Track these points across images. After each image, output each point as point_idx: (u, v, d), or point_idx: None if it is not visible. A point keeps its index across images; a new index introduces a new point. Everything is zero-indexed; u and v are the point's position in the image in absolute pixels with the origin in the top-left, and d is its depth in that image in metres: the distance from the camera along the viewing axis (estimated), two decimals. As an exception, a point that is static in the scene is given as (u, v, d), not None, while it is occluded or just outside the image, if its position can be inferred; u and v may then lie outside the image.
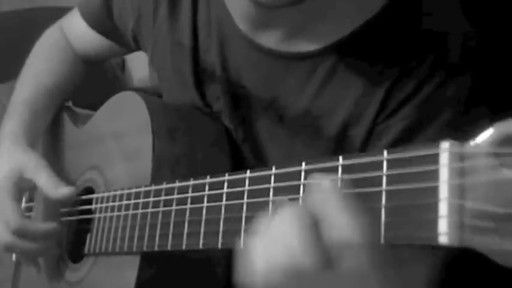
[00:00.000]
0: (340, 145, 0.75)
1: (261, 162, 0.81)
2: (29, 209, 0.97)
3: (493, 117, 0.70)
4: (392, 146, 0.69)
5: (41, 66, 1.08)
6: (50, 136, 1.04)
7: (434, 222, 0.41)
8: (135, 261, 0.74)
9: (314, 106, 0.75)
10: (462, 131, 0.68)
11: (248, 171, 0.58)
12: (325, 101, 0.74)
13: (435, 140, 0.65)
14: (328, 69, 0.73)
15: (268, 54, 0.77)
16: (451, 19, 0.73)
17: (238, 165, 0.80)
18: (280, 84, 0.77)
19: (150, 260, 0.74)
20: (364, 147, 0.73)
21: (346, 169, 0.48)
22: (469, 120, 0.69)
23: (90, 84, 1.11)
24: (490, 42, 0.75)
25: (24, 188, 0.92)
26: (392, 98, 0.71)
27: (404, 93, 0.71)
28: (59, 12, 1.15)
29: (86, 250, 0.84)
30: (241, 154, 0.83)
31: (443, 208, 0.40)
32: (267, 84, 0.78)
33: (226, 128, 0.83)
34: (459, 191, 0.40)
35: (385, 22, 0.71)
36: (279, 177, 0.55)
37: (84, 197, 0.89)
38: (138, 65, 1.61)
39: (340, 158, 0.49)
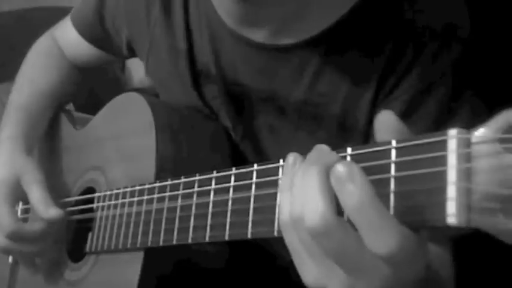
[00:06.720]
0: (341, 134, 0.75)
1: (261, 159, 0.81)
2: (27, 211, 0.97)
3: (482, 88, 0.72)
4: None
5: (35, 72, 1.09)
6: (48, 139, 1.04)
7: (443, 204, 0.42)
8: (138, 257, 0.75)
9: (312, 95, 0.76)
10: (461, 100, 0.71)
11: (255, 165, 0.59)
12: (321, 89, 0.75)
13: (436, 112, 0.64)
14: (320, 57, 0.74)
15: (258, 48, 0.78)
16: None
17: (238, 164, 0.81)
18: (275, 77, 0.78)
19: (153, 256, 0.74)
20: (367, 131, 0.74)
21: (355, 159, 0.49)
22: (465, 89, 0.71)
23: (90, 84, 1.12)
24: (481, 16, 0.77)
25: (19, 196, 0.92)
26: (388, 76, 0.72)
27: (400, 70, 0.71)
28: (59, 12, 1.16)
29: (87, 249, 0.84)
30: (241, 153, 0.84)
31: (451, 191, 0.42)
32: (262, 77, 0.79)
33: (225, 128, 0.85)
34: (466, 175, 0.42)
35: (370, 4, 0.72)
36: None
37: (84, 196, 0.89)
38: (138, 66, 1.61)
39: (349, 148, 0.51)
